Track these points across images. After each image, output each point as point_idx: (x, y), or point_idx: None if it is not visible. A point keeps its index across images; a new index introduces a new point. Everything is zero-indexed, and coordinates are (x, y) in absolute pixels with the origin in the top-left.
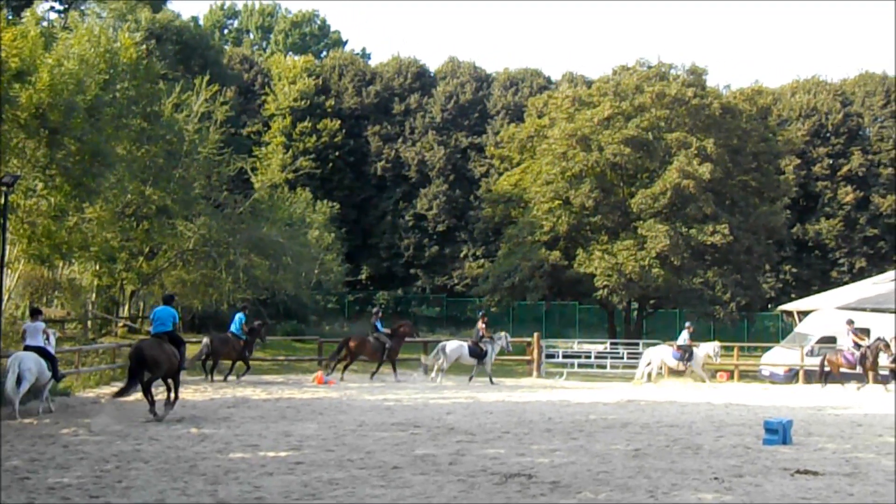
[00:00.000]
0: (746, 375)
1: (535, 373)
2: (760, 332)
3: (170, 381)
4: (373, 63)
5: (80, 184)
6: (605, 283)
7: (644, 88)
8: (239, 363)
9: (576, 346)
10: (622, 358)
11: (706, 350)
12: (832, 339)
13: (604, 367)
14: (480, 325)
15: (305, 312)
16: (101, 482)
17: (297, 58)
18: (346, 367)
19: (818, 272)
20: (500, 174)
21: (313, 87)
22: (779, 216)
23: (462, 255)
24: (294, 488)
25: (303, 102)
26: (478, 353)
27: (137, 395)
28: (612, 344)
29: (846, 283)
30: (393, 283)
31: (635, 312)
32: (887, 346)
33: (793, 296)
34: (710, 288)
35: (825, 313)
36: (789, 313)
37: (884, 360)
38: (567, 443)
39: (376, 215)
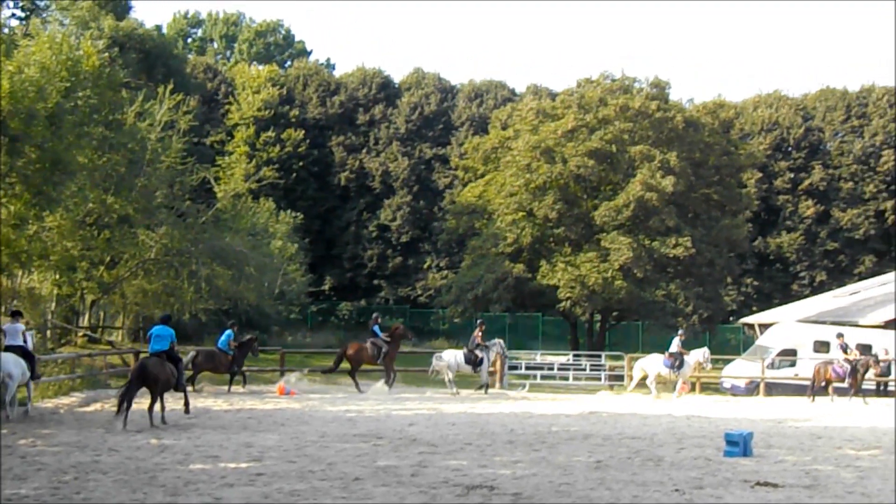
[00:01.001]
0: (708, 387)
1: (497, 384)
2: (722, 345)
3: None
4: (337, 73)
5: (40, 192)
6: (569, 294)
7: (608, 101)
8: (238, 378)
9: (539, 357)
10: (585, 370)
11: (696, 357)
12: (793, 352)
13: (566, 378)
14: (477, 332)
15: (268, 323)
16: (59, 493)
17: (261, 67)
18: (353, 375)
19: (779, 285)
20: (464, 185)
21: (277, 96)
22: (741, 229)
23: (425, 266)
24: (255, 500)
25: (266, 112)
26: (473, 361)
27: (97, 406)
28: (574, 356)
29: (807, 296)
30: (356, 293)
31: (598, 324)
32: (877, 361)
33: (754, 308)
34: (673, 300)
35: (786, 326)
36: (751, 326)
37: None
38: (529, 454)
39: (340, 226)
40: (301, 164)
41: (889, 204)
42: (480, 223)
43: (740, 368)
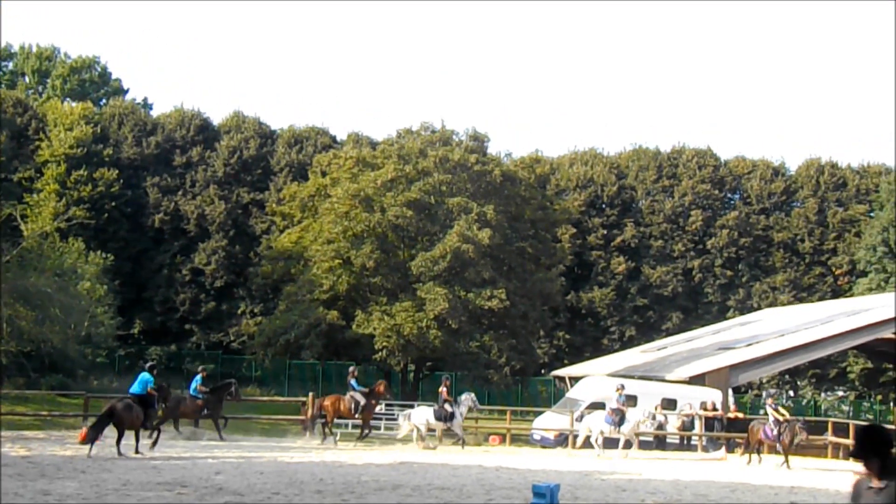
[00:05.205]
0: (518, 439)
1: (308, 433)
2: (533, 397)
3: (140, 432)
4: (154, 113)
5: None
6: (385, 344)
7: (427, 152)
8: (208, 421)
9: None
10: (397, 419)
11: (637, 417)
12: (601, 405)
13: (378, 428)
14: (442, 388)
15: (72, 366)
16: None
17: (74, 104)
18: (324, 426)
19: (590, 339)
20: (282, 231)
21: (91, 134)
22: (554, 283)
23: (239, 311)
24: None
25: (79, 150)
26: (444, 417)
27: None
28: (387, 405)
29: (616, 350)
30: (167, 338)
31: (412, 374)
32: (802, 428)
33: (565, 361)
34: (486, 351)
35: (596, 379)
36: (561, 378)
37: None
38: None
39: (152, 268)
40: (113, 204)
41: (696, 262)
42: (296, 269)
43: (550, 421)
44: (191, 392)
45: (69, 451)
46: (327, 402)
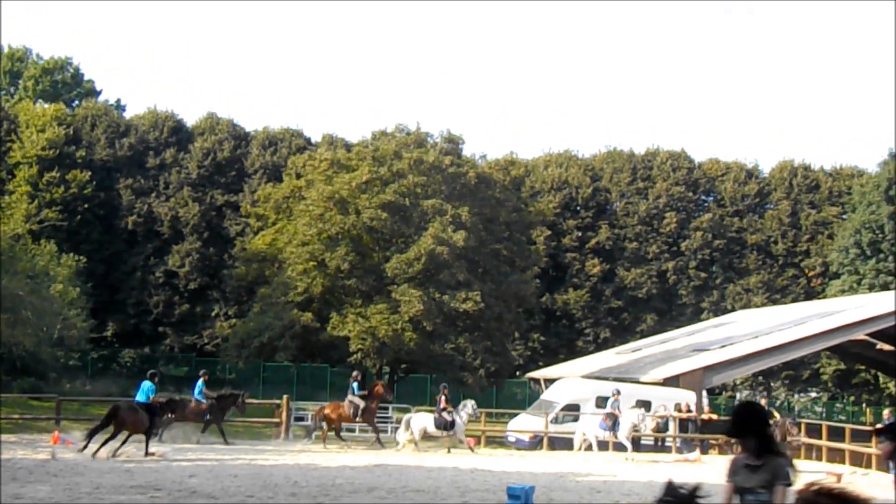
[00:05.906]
0: (493, 441)
1: (283, 435)
2: (508, 399)
3: (142, 436)
4: (128, 115)
5: None
6: (360, 346)
7: (402, 154)
8: (212, 427)
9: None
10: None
11: (631, 419)
12: (576, 407)
13: (353, 430)
14: (440, 397)
15: (45, 369)
16: None
17: (46, 105)
18: (337, 432)
19: (565, 341)
20: (256, 233)
21: (63, 136)
22: (529, 285)
23: (213, 313)
24: None
25: (51, 151)
26: (444, 425)
27: None
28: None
29: (591, 352)
30: (140, 340)
31: (387, 376)
32: (794, 425)
33: (540, 363)
34: (461, 353)
35: (570, 381)
36: (536, 381)
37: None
38: None
39: (125, 271)
40: (86, 206)
41: (670, 264)
42: (271, 271)
43: (525, 422)
44: (195, 396)
45: (41, 454)
46: (328, 409)
